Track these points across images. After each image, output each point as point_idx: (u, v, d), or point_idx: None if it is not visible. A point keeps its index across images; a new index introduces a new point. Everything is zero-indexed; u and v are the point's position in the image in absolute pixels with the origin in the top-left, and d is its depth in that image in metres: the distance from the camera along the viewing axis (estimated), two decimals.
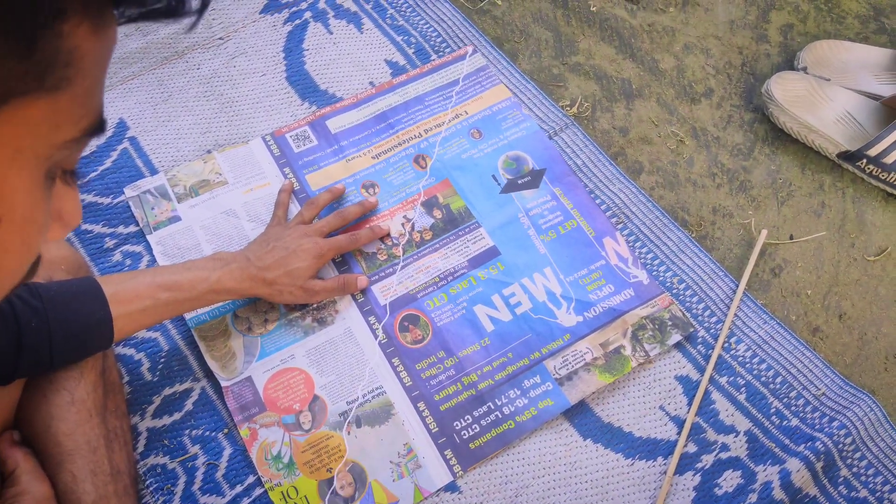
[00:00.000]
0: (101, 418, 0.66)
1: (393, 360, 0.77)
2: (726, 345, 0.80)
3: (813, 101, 0.94)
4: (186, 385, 0.75)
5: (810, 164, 0.94)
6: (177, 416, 0.74)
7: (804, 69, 0.98)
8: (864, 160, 0.89)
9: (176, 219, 0.83)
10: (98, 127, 0.31)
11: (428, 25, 1.02)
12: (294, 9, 1.01)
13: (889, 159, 0.88)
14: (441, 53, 0.98)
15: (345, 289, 0.79)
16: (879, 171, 0.89)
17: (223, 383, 0.75)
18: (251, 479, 0.71)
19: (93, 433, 0.65)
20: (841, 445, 0.74)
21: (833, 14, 1.08)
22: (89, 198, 0.85)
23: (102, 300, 0.63)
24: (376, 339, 0.78)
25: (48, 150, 0.29)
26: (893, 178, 0.89)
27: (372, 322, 0.79)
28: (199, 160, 0.87)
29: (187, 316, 0.78)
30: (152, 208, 0.84)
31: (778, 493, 0.71)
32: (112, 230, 0.83)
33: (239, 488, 0.70)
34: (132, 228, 0.83)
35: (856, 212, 0.90)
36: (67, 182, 0.33)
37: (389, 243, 0.83)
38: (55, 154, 0.29)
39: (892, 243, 0.88)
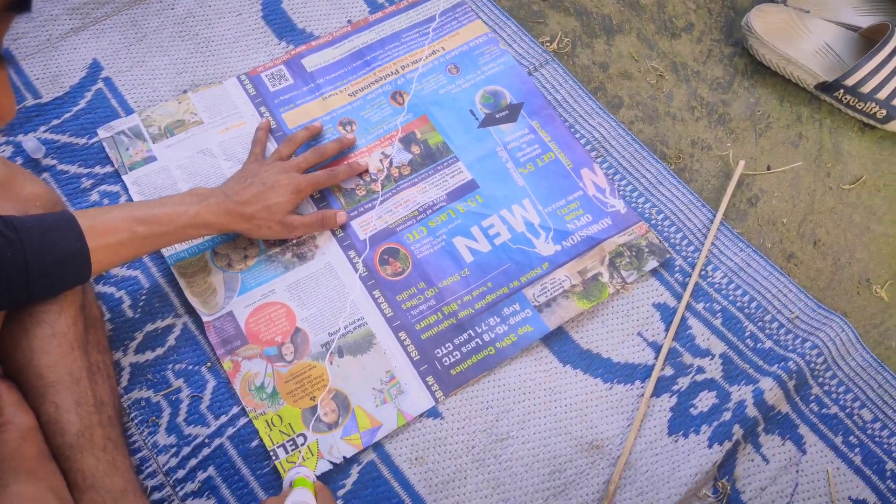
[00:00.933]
0: (82, 351, 0.67)
1: (374, 293, 0.77)
2: (703, 272, 0.81)
3: (792, 33, 0.94)
4: (168, 321, 0.76)
5: (788, 96, 0.94)
6: (159, 351, 0.74)
7: (784, 2, 0.97)
8: (842, 90, 0.90)
9: (151, 159, 0.83)
10: (18, 3, 0.30)
11: None
12: None
13: (866, 88, 0.88)
14: None
15: (324, 224, 0.79)
16: (856, 100, 0.89)
17: (204, 318, 0.75)
18: (235, 409, 0.72)
19: (75, 365, 0.65)
20: (813, 365, 0.75)
21: None
22: (64, 138, 0.84)
23: (78, 232, 0.63)
24: (356, 272, 0.78)
25: None
26: (870, 108, 0.89)
27: (352, 256, 0.79)
28: (174, 100, 0.86)
29: (166, 253, 0.78)
30: (127, 149, 0.83)
31: (751, 411, 0.73)
32: (88, 170, 0.83)
33: (224, 418, 0.71)
34: (108, 169, 0.83)
35: (832, 142, 0.91)
36: None
37: (368, 179, 0.83)
38: None
39: (866, 171, 0.89)
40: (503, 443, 0.72)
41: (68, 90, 0.87)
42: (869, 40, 0.92)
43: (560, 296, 0.77)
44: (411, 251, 0.79)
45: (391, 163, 0.84)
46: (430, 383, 0.73)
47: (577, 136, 0.88)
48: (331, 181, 0.80)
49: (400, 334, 0.75)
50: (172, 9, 0.94)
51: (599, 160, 0.87)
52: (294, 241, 0.80)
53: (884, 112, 0.89)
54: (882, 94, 0.88)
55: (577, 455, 0.72)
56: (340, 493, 0.69)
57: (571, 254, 0.79)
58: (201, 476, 0.69)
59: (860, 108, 0.90)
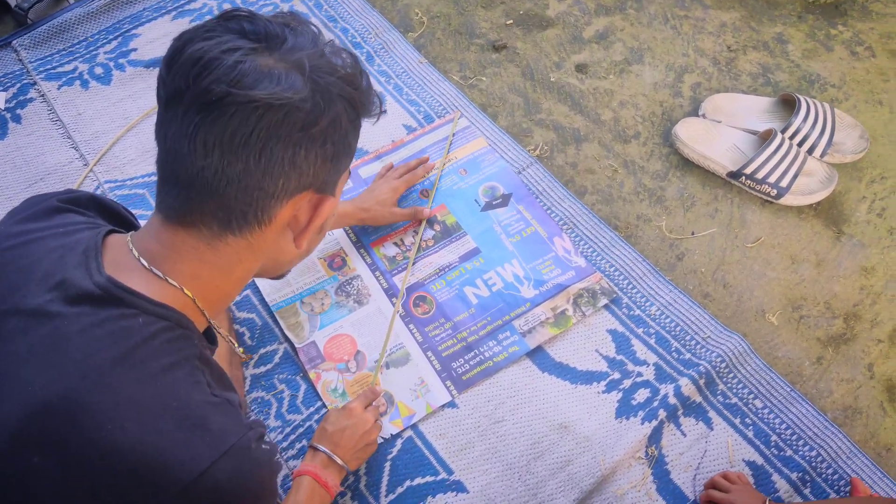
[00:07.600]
0: (229, 364, 1.04)
1: (409, 326, 1.13)
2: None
3: (708, 138, 1.30)
4: (274, 346, 1.12)
5: (708, 182, 1.29)
6: (270, 366, 1.11)
7: (703, 115, 1.34)
8: (744, 177, 1.24)
9: None
10: None
11: (433, 98, 1.41)
12: None
13: (760, 175, 1.23)
14: (442, 116, 1.37)
15: (415, 214, 1.20)
16: (755, 184, 1.24)
17: (297, 345, 1.11)
18: (318, 403, 1.07)
19: (231, 374, 1.02)
20: (718, 369, 1.07)
21: (731, 73, 1.44)
22: None
23: None
24: (398, 313, 1.14)
25: None
26: (765, 189, 1.24)
27: (394, 301, 1.15)
28: None
29: (270, 303, 1.15)
30: None
31: (672, 400, 1.04)
32: None
33: (311, 409, 1.06)
34: None
35: (740, 214, 1.25)
36: None
37: (404, 248, 1.21)
38: None
39: (765, 234, 1.22)
40: (499, 424, 1.05)
41: None
42: (763, 140, 1.28)
43: (538, 325, 1.12)
44: (435, 297, 1.15)
45: (421, 237, 1.22)
46: (448, 385, 1.07)
47: (553, 214, 1.24)
48: (414, 180, 1.23)
49: (428, 353, 1.10)
50: None
51: (568, 231, 1.22)
52: (354, 292, 1.16)
53: (775, 192, 1.23)
54: (772, 179, 1.22)
55: (550, 432, 1.04)
56: (389, 457, 1.02)
57: (546, 296, 1.14)
58: (298, 446, 1.03)
59: (758, 189, 1.24)
